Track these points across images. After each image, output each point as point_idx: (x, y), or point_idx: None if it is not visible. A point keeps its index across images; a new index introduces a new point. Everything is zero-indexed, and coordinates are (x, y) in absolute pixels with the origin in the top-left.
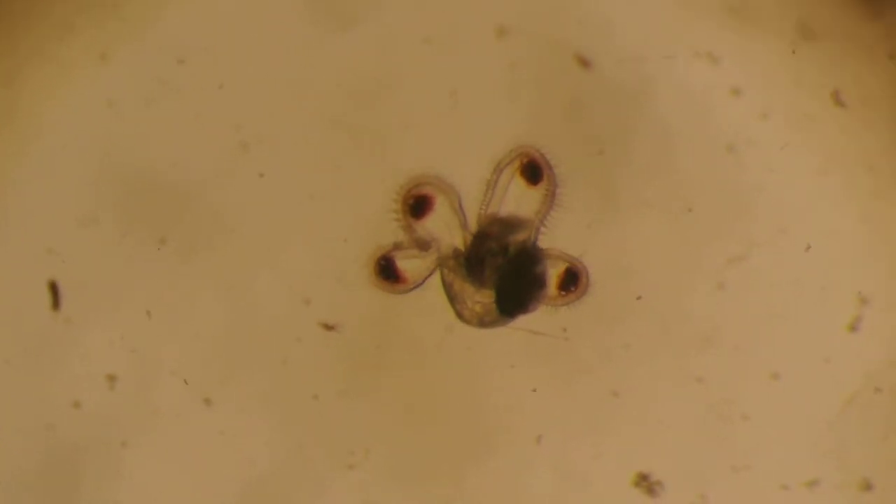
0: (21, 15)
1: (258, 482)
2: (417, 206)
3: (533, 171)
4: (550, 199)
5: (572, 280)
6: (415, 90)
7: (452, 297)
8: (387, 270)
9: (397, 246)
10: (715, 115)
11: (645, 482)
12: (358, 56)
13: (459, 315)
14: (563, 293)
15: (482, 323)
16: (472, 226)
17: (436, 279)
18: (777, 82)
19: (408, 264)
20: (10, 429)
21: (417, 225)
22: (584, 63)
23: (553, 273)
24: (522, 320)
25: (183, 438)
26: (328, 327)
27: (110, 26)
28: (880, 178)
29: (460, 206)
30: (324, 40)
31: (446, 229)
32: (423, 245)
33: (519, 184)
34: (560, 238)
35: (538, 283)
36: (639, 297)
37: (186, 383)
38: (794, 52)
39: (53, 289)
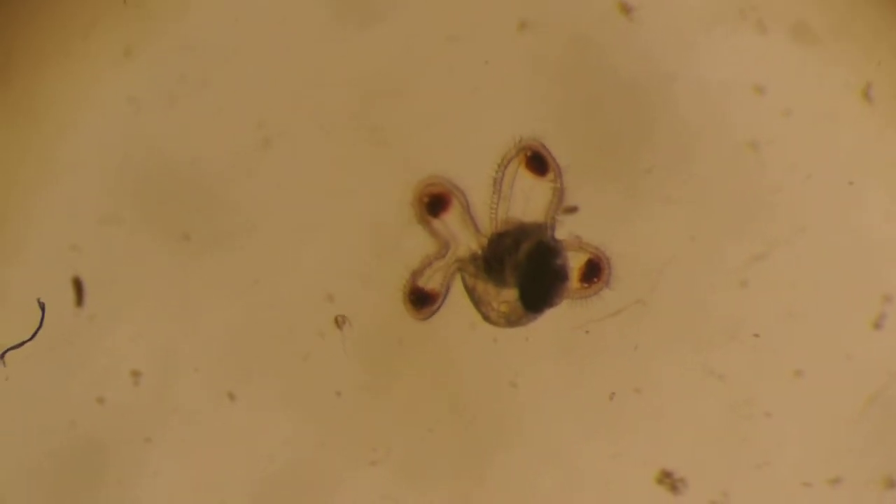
0: (44, 12)
1: (279, 478)
2: (433, 204)
3: (538, 163)
4: (559, 189)
5: (594, 271)
6: (437, 88)
7: (476, 301)
8: (420, 300)
9: (417, 272)
10: (737, 113)
11: (668, 479)
12: (380, 53)
13: (486, 318)
14: (586, 285)
15: (510, 322)
16: (487, 226)
17: (459, 283)
18: (800, 79)
19: (433, 279)
20: (34, 424)
21: (436, 223)
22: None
23: (574, 266)
24: (551, 314)
25: (205, 434)
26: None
27: (133, 23)
28: None
29: (469, 208)
30: (346, 37)
31: (464, 231)
32: (442, 246)
33: (526, 178)
34: (580, 234)
35: (560, 275)
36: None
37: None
38: (817, 49)
39: (77, 285)
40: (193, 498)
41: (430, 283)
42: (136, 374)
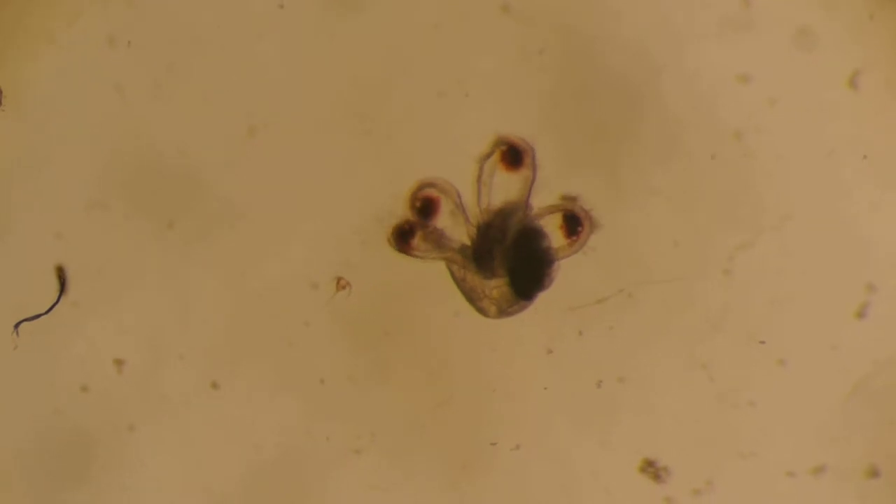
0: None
1: (265, 466)
2: (425, 208)
3: (513, 156)
4: (532, 172)
5: (575, 222)
6: (423, 76)
7: (468, 294)
8: (404, 235)
9: (424, 227)
10: (722, 102)
11: (651, 468)
12: (366, 42)
13: (479, 309)
14: (573, 238)
15: (502, 312)
16: (473, 220)
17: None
18: (785, 68)
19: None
20: (18, 413)
21: (429, 226)
22: None
23: (553, 226)
24: (537, 302)
25: (190, 423)
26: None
27: (119, 10)
28: (889, 165)
29: (460, 202)
30: (332, 26)
31: (456, 225)
32: (438, 244)
33: (501, 172)
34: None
35: (548, 258)
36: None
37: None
38: (802, 38)
39: (61, 273)
40: (178, 485)
41: (419, 248)
42: (119, 363)
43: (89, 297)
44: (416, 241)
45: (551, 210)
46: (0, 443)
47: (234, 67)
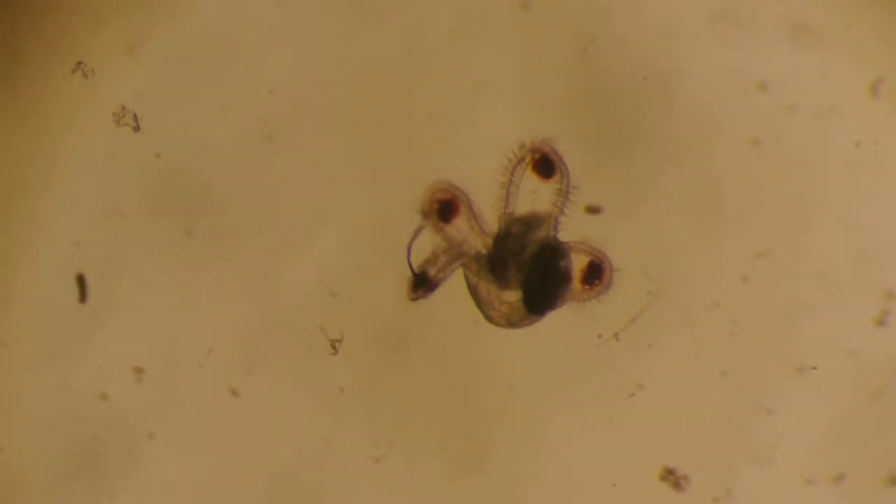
0: (48, 7)
1: (283, 475)
2: (443, 211)
3: (545, 165)
4: (565, 192)
5: (596, 273)
6: (441, 82)
7: (478, 300)
8: (421, 283)
9: (429, 261)
10: (740, 108)
11: (671, 476)
12: (385, 47)
13: (488, 318)
14: (587, 287)
15: (511, 324)
16: (493, 227)
17: (461, 279)
18: (803, 75)
19: (436, 267)
20: (37, 421)
21: (448, 228)
22: None
23: (576, 268)
24: (553, 317)
25: (209, 430)
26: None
27: (137, 19)
28: None
29: (472, 209)
30: (349, 32)
31: (471, 231)
32: (457, 249)
33: (531, 179)
34: (582, 231)
35: (563, 278)
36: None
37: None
38: (822, 44)
39: (80, 281)
40: (197, 493)
41: (434, 270)
42: (139, 371)
43: (108, 306)
44: (435, 273)
45: (580, 248)
46: (19, 451)
47: (251, 74)
